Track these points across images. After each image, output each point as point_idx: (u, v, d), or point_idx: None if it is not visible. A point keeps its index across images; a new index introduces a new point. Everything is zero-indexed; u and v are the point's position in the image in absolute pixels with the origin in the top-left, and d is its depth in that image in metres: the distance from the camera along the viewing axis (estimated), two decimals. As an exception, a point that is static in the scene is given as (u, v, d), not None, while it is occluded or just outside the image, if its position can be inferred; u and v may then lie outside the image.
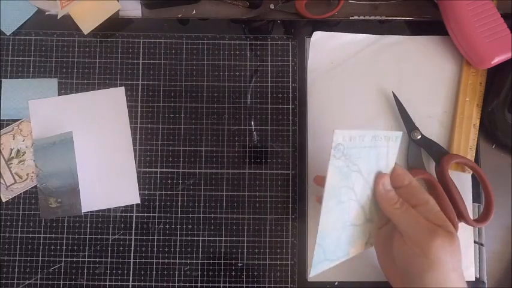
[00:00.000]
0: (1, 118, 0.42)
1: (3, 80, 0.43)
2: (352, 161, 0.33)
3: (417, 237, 0.32)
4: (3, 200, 0.41)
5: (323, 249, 0.33)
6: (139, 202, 0.42)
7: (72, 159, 0.40)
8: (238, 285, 0.41)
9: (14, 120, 0.42)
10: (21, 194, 0.42)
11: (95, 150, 0.42)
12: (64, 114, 0.42)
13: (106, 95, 0.43)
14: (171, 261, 0.41)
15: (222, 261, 0.41)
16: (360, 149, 0.33)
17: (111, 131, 0.42)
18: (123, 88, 0.43)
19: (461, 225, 0.39)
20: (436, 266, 0.31)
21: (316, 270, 0.33)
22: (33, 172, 0.42)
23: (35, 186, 0.42)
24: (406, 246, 0.33)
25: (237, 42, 0.44)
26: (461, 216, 0.39)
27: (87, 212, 0.41)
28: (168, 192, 0.42)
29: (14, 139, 0.42)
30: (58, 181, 0.40)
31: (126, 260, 0.41)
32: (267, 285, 0.41)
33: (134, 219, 0.42)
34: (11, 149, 0.42)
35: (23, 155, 0.42)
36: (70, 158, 0.40)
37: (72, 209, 0.40)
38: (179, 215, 0.42)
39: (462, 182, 0.41)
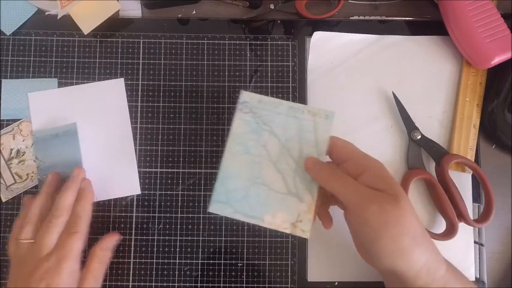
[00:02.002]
0: (1, 118, 0.42)
1: (3, 80, 0.43)
2: (264, 121, 0.35)
3: (354, 206, 0.31)
4: (3, 200, 0.41)
5: (226, 191, 0.34)
6: (139, 193, 0.42)
7: (77, 150, 0.41)
8: (238, 285, 0.41)
9: (14, 120, 0.42)
10: (21, 194, 0.42)
11: (95, 141, 0.42)
12: (64, 106, 0.42)
13: (105, 86, 0.43)
14: (171, 261, 0.41)
15: (222, 261, 0.41)
16: (273, 114, 0.35)
17: (111, 122, 0.42)
18: (122, 79, 0.43)
19: (461, 225, 0.39)
20: (382, 233, 0.29)
21: (215, 208, 0.34)
22: (33, 172, 0.42)
23: (35, 186, 0.42)
24: (350, 216, 0.32)
25: (237, 42, 0.44)
26: (461, 216, 0.39)
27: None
28: (168, 192, 0.42)
29: (14, 139, 0.42)
30: (61, 172, 0.40)
31: (126, 260, 0.41)
32: (267, 285, 0.41)
33: (134, 219, 0.41)
34: (11, 149, 0.42)
35: (23, 155, 0.42)
36: (75, 149, 0.41)
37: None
38: (179, 215, 0.42)
39: (462, 182, 0.41)
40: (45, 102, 0.42)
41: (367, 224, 0.30)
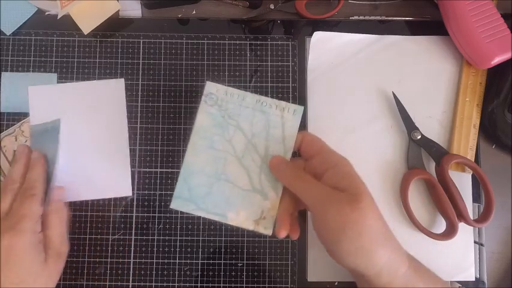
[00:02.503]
0: (1, 111, 0.42)
1: (3, 73, 0.43)
2: (230, 115, 0.35)
3: (315, 209, 0.31)
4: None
5: (188, 187, 0.34)
6: (131, 195, 0.41)
7: (54, 148, 0.39)
8: (238, 285, 0.41)
9: (14, 114, 0.42)
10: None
11: (90, 139, 0.42)
12: (62, 101, 0.42)
13: (105, 85, 0.43)
14: (171, 261, 0.41)
15: (222, 261, 0.41)
16: (240, 107, 0.35)
17: (108, 121, 0.42)
18: (122, 80, 0.43)
19: (461, 225, 0.39)
20: (340, 235, 0.29)
21: (178, 204, 0.34)
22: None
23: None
24: (313, 218, 0.32)
25: (237, 42, 0.44)
26: (461, 216, 0.39)
27: (83, 206, 0.41)
28: (168, 192, 0.42)
29: (16, 140, 0.42)
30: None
31: (126, 260, 0.41)
32: (267, 285, 0.41)
33: (134, 219, 0.41)
34: (14, 151, 0.42)
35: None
36: (53, 146, 0.40)
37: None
38: (179, 215, 0.42)
39: (462, 182, 0.41)
40: (44, 97, 0.42)
41: (326, 227, 0.30)
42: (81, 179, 0.41)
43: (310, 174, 0.33)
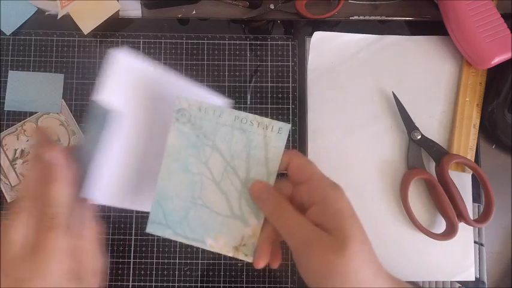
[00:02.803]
0: (5, 109, 0.42)
1: (10, 72, 0.43)
2: (205, 134, 0.31)
3: (296, 251, 0.28)
4: (9, 201, 0.41)
5: (163, 212, 0.31)
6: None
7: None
8: (238, 285, 0.41)
9: (18, 114, 0.43)
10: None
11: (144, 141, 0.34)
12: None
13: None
14: (171, 261, 0.41)
15: (222, 261, 0.41)
16: (216, 125, 0.31)
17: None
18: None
19: (461, 225, 0.39)
20: (322, 283, 0.27)
21: (153, 229, 0.31)
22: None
23: (36, 186, 0.42)
24: (294, 257, 0.28)
25: (237, 42, 0.44)
26: (461, 216, 0.39)
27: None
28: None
29: (18, 139, 0.42)
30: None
31: (126, 260, 0.41)
32: (267, 285, 0.41)
33: (134, 219, 0.41)
34: (15, 150, 0.42)
35: (27, 155, 0.42)
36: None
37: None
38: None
39: (462, 182, 0.41)
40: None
41: (308, 270, 0.28)
42: (124, 186, 0.33)
43: (296, 202, 0.30)
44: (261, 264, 0.30)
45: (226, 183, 0.31)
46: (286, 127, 0.31)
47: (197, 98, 0.31)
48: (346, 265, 0.26)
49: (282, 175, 0.31)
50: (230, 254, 0.31)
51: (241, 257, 0.31)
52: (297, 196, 0.30)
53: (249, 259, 0.31)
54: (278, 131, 0.31)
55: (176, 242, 0.41)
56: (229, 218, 0.31)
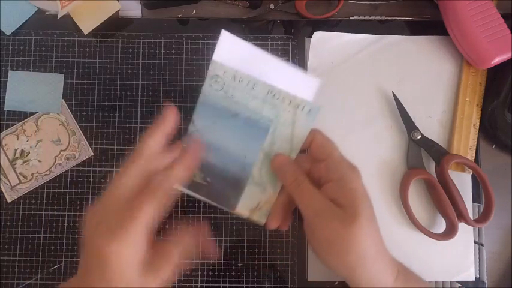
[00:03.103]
0: (5, 109, 0.42)
1: (10, 72, 0.43)
2: (236, 102, 0.32)
3: (308, 220, 0.30)
4: (9, 201, 0.41)
5: (195, 174, 0.33)
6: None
7: (255, 151, 0.33)
8: (238, 285, 0.41)
9: (18, 114, 0.43)
10: (26, 194, 0.42)
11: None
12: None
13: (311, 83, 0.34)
14: (171, 261, 0.41)
15: (222, 261, 0.41)
16: (248, 96, 0.31)
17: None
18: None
19: (461, 225, 0.39)
20: (328, 249, 0.30)
21: (186, 190, 0.33)
22: (37, 172, 0.42)
23: (40, 186, 0.42)
24: (305, 225, 0.32)
25: (237, 42, 0.44)
26: (461, 216, 0.39)
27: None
28: (168, 192, 0.42)
29: (18, 139, 0.42)
30: (219, 159, 0.34)
31: (126, 260, 0.41)
32: (267, 285, 0.41)
33: (134, 219, 0.41)
34: (15, 150, 0.42)
35: (27, 155, 0.42)
36: (253, 147, 0.33)
37: (223, 201, 0.34)
38: (179, 215, 0.42)
39: (462, 182, 0.42)
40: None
41: (316, 237, 0.30)
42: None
43: (314, 177, 0.33)
44: (273, 225, 0.33)
45: (254, 155, 0.33)
46: (316, 108, 0.32)
47: (233, 66, 0.31)
48: (353, 236, 0.29)
49: (302, 151, 0.33)
50: (245, 216, 0.34)
51: (255, 218, 0.34)
52: (315, 171, 0.33)
53: (262, 221, 0.34)
54: (308, 112, 0.32)
55: (176, 242, 0.41)
56: (250, 184, 0.33)
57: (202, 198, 0.34)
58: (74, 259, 0.41)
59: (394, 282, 0.31)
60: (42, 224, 0.41)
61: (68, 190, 0.42)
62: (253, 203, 0.34)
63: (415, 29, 0.45)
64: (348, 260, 0.30)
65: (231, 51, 0.32)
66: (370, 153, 0.42)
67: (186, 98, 0.43)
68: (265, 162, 0.33)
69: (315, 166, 0.33)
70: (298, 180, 0.32)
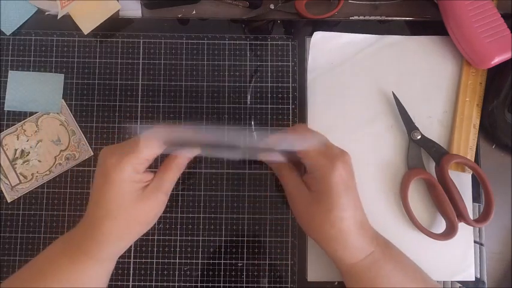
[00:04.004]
0: (5, 109, 0.42)
1: (10, 71, 0.43)
2: None
3: (287, 196, 0.36)
4: (9, 201, 0.41)
5: None
6: None
7: None
8: (238, 285, 0.41)
9: (18, 114, 0.43)
10: (26, 194, 0.42)
11: None
12: None
13: None
14: (171, 261, 0.41)
15: (222, 261, 0.41)
16: None
17: None
18: None
19: (461, 225, 0.39)
20: (304, 224, 0.36)
21: None
22: (37, 172, 0.42)
23: (40, 186, 0.42)
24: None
25: (237, 42, 0.44)
26: (461, 216, 0.39)
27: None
28: (168, 192, 0.42)
29: (18, 139, 0.42)
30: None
31: (126, 260, 0.41)
32: (267, 285, 0.41)
33: (134, 219, 0.41)
34: (15, 150, 0.42)
35: (27, 155, 0.42)
36: None
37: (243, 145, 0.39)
38: (179, 215, 0.42)
39: (462, 182, 0.41)
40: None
41: (294, 211, 0.37)
42: None
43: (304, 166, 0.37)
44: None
45: None
46: None
47: None
48: (319, 215, 0.34)
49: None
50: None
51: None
52: (308, 165, 0.37)
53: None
54: None
55: (176, 242, 0.41)
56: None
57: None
58: (74, 259, 0.41)
59: (363, 260, 0.34)
60: (42, 224, 0.41)
61: (68, 190, 0.42)
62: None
63: (415, 29, 0.45)
64: (311, 234, 0.36)
65: None
66: (370, 153, 0.42)
67: (186, 98, 0.43)
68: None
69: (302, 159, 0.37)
70: (280, 165, 0.38)
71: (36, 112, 0.43)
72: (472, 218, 0.40)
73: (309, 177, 0.36)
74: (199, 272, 0.41)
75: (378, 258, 0.34)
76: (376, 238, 0.35)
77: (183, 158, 0.37)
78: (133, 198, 0.33)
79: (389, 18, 0.45)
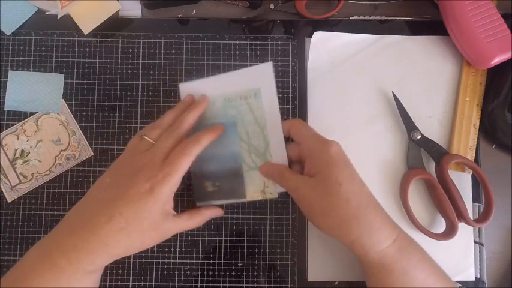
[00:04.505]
0: (5, 109, 0.42)
1: (10, 71, 0.43)
2: (207, 118, 0.40)
3: (293, 197, 0.35)
4: (9, 201, 0.41)
5: (204, 186, 0.40)
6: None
7: (236, 145, 0.39)
8: (238, 285, 0.41)
9: (18, 114, 0.43)
10: (26, 194, 0.42)
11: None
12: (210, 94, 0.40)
13: (255, 72, 0.39)
14: (171, 261, 0.41)
15: (222, 261, 0.41)
16: (212, 112, 0.39)
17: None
18: (270, 63, 0.38)
19: (461, 225, 0.39)
20: (311, 215, 0.35)
21: (200, 203, 0.40)
22: (37, 172, 0.42)
23: (40, 186, 0.42)
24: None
25: (237, 42, 0.44)
26: (461, 216, 0.39)
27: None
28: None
29: (18, 139, 0.42)
30: (215, 165, 0.40)
31: (126, 260, 0.41)
32: (267, 285, 0.41)
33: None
34: (15, 150, 0.42)
35: (27, 155, 0.42)
36: (233, 143, 0.39)
37: (234, 194, 0.39)
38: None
39: (462, 182, 0.41)
40: (195, 93, 0.40)
41: (302, 208, 0.35)
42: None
43: (301, 159, 0.37)
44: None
45: (236, 147, 0.39)
46: (258, 90, 0.39)
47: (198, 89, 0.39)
48: (326, 200, 0.33)
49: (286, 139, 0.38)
50: (260, 198, 0.39)
51: (268, 196, 0.39)
52: (301, 153, 0.37)
53: (275, 195, 0.39)
54: (255, 95, 0.39)
55: (176, 242, 0.41)
56: (247, 170, 0.39)
57: (219, 202, 0.40)
58: (74, 259, 0.41)
59: (389, 246, 0.32)
60: (42, 224, 0.41)
61: (68, 190, 0.42)
62: (260, 185, 0.39)
63: (415, 29, 0.45)
64: (328, 223, 0.34)
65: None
66: (370, 153, 0.42)
67: (186, 98, 0.43)
68: (251, 149, 0.39)
69: (300, 149, 0.37)
70: (280, 172, 0.37)
71: (36, 112, 0.43)
72: (472, 218, 0.40)
73: (308, 164, 0.35)
74: (199, 272, 0.41)
75: (405, 245, 0.33)
76: (398, 229, 0.34)
77: (206, 214, 0.38)
78: (164, 217, 0.33)
79: (389, 18, 0.45)
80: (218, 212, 0.39)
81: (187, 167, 0.34)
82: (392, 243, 0.33)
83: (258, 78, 0.39)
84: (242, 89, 0.39)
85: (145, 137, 0.35)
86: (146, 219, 0.32)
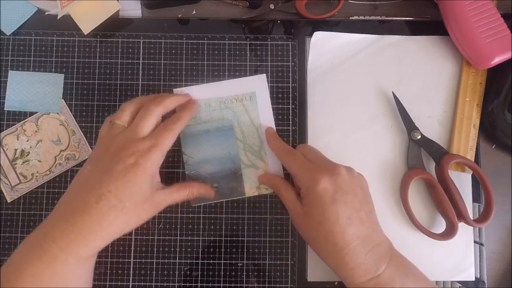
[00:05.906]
0: (5, 109, 0.42)
1: (10, 71, 0.43)
2: (203, 120, 0.42)
3: (302, 181, 0.35)
4: (9, 201, 0.41)
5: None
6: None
7: (233, 145, 0.42)
8: (238, 285, 0.41)
9: (18, 114, 0.43)
10: (26, 194, 0.42)
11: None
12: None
13: (250, 80, 0.43)
14: (171, 261, 0.41)
15: (222, 261, 0.41)
16: (209, 114, 0.42)
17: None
18: (264, 75, 0.43)
19: (461, 225, 0.39)
20: (307, 238, 0.36)
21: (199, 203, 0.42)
22: (37, 172, 0.42)
23: (40, 186, 0.42)
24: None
25: (237, 42, 0.44)
26: (461, 216, 0.39)
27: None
28: (168, 192, 0.42)
29: (18, 139, 0.42)
30: (213, 167, 0.42)
31: (126, 260, 0.41)
32: (267, 285, 0.41)
33: (134, 219, 0.41)
34: (15, 150, 0.42)
35: (27, 155, 0.42)
36: (231, 143, 0.42)
37: (233, 193, 0.42)
38: (179, 215, 0.42)
39: (462, 182, 0.41)
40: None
41: (296, 227, 0.37)
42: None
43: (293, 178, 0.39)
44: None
45: (234, 149, 0.42)
46: (253, 94, 0.42)
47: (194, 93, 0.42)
48: (315, 231, 0.34)
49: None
50: (256, 193, 0.41)
51: (263, 192, 0.42)
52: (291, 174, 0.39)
53: (270, 190, 0.41)
54: (250, 98, 0.42)
55: (176, 242, 0.41)
56: (244, 169, 0.42)
57: (220, 200, 0.41)
58: (74, 259, 0.41)
59: (384, 270, 0.33)
60: (37, 224, 0.41)
61: (68, 190, 0.42)
62: (255, 182, 0.42)
63: (415, 29, 0.45)
64: (314, 250, 0.36)
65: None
66: (370, 153, 0.42)
67: (186, 98, 0.43)
68: (246, 147, 0.42)
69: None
70: (276, 187, 0.39)
71: (36, 112, 0.43)
72: (472, 218, 0.40)
73: (301, 193, 0.36)
74: (199, 272, 0.41)
75: (390, 278, 0.32)
76: (390, 255, 0.34)
77: (196, 187, 0.39)
78: (153, 190, 0.34)
79: (389, 18, 0.45)
80: (207, 191, 0.40)
81: (171, 143, 0.35)
82: (369, 280, 0.32)
83: (253, 85, 0.42)
84: (238, 93, 0.42)
85: (117, 121, 0.35)
86: (137, 192, 0.32)
